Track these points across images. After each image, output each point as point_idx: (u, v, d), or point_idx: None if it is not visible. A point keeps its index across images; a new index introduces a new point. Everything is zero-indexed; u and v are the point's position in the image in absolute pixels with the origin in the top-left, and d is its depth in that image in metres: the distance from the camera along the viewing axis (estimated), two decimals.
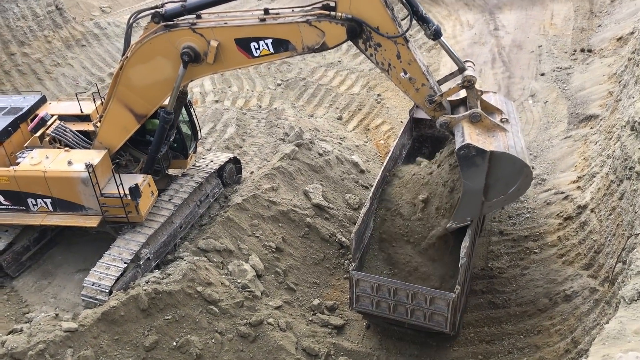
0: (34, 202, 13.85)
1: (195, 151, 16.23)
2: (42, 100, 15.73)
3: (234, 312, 13.20)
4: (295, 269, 15.35)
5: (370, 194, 13.62)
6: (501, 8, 29.66)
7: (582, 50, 24.46)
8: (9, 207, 14.03)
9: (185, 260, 13.67)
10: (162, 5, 12.76)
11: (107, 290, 12.92)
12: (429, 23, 12.32)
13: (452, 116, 12.50)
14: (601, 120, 18.53)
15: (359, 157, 19.53)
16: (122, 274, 13.21)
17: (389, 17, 11.69)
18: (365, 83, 24.27)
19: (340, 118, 22.49)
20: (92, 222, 13.77)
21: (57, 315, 12.74)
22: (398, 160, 15.83)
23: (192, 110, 15.65)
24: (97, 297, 12.98)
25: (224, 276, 13.93)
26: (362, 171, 18.97)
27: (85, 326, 11.76)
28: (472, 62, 13.63)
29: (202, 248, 14.45)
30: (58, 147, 14.27)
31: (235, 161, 17.31)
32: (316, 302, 14.73)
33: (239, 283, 13.89)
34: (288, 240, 15.79)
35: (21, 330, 11.99)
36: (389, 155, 15.15)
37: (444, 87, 12.73)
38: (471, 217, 12.53)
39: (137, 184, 13.29)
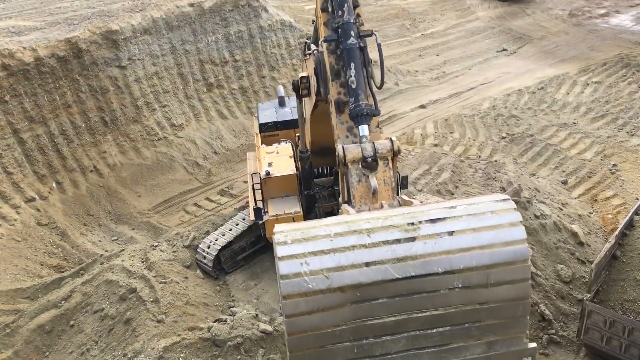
0: None
1: None
2: None
3: None
4: None
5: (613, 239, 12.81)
6: None
7: None
8: None
9: None
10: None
11: None
12: None
13: None
14: None
15: (579, 227, 17.90)
16: None
17: None
18: (600, 150, 22.31)
19: (565, 182, 20.93)
20: None
21: (256, 315, 13.70)
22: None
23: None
24: None
25: None
26: (580, 243, 17.32)
27: (279, 332, 12.46)
28: None
29: None
30: None
31: None
32: None
33: None
34: None
35: (225, 321, 13.14)
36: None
37: None
38: None
39: (258, 207, 14.25)
